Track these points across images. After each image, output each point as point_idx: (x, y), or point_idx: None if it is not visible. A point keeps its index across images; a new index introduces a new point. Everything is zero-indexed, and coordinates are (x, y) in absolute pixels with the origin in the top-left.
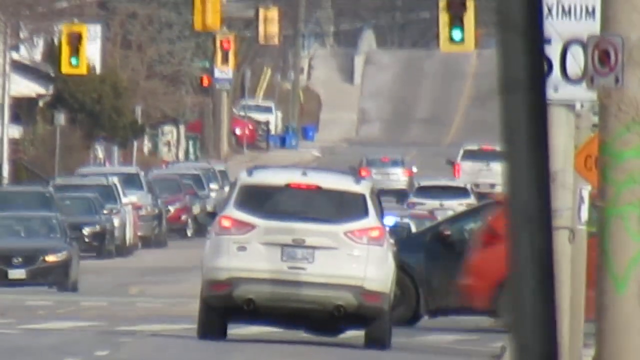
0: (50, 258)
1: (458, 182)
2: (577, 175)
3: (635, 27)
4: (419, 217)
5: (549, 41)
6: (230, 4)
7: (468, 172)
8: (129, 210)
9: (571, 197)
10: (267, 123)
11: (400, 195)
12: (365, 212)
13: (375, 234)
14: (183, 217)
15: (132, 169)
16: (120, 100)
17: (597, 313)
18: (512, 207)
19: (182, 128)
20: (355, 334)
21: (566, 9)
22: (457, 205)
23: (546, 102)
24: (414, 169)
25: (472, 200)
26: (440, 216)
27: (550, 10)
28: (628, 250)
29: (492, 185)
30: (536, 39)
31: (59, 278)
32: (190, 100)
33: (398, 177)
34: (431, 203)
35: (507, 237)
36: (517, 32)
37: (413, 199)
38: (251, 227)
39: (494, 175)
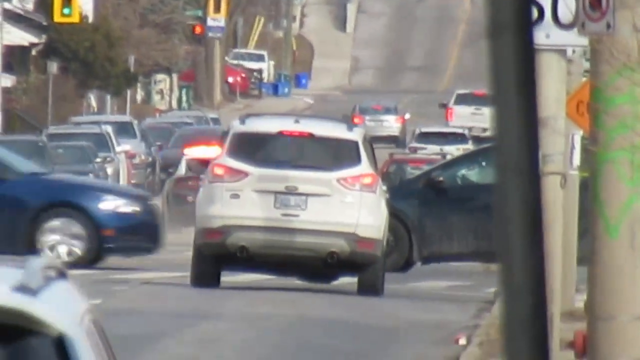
0: None
1: (456, 129)
2: (568, 121)
3: None
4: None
5: None
6: None
7: (461, 116)
8: (123, 158)
9: (563, 143)
10: (259, 71)
11: (395, 142)
12: (358, 159)
13: (367, 180)
14: None
15: (125, 118)
16: (113, 49)
17: (589, 258)
18: (500, 152)
19: (174, 77)
20: (348, 281)
21: None
22: (455, 150)
23: (534, 46)
24: (407, 116)
25: (469, 146)
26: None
27: None
28: (620, 195)
29: (484, 129)
30: None
31: None
32: (183, 49)
33: (391, 124)
34: (432, 148)
35: (495, 183)
36: None
37: (414, 144)
38: (244, 174)
39: (486, 119)
